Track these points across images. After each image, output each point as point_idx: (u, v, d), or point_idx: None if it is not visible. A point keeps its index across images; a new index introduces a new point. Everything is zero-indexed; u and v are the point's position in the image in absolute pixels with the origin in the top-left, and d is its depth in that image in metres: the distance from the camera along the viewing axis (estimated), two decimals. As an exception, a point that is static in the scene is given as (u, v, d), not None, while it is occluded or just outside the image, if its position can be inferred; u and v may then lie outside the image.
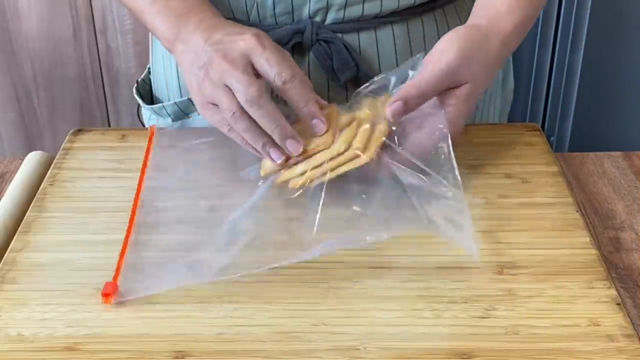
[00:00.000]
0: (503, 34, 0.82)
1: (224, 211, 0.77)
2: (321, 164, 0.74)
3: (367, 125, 0.76)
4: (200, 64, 0.76)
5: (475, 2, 0.87)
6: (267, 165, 0.76)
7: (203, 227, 0.76)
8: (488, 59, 0.80)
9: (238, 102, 0.73)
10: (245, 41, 0.75)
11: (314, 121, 0.76)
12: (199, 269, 0.69)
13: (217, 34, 0.78)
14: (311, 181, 0.74)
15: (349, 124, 0.78)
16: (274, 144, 0.74)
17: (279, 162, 0.74)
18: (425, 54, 0.85)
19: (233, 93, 0.73)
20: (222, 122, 0.76)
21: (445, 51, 0.77)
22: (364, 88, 0.84)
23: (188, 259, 0.70)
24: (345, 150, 0.75)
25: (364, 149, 0.74)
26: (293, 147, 0.74)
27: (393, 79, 0.82)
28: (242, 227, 0.73)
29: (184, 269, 0.69)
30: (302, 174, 0.75)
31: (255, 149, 0.76)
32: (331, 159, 0.75)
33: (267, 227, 0.74)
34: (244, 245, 0.71)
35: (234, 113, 0.73)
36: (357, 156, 0.74)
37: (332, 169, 0.74)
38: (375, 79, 0.82)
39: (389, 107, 0.75)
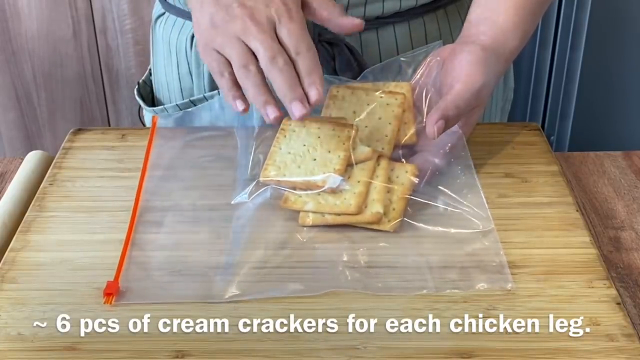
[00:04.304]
0: (507, 56, 0.82)
1: (225, 211, 0.77)
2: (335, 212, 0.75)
3: (382, 181, 0.77)
4: (217, 7, 0.74)
5: (473, 9, 0.86)
6: (308, 219, 0.76)
7: (205, 227, 0.76)
8: (495, 81, 0.81)
9: (253, 59, 0.72)
10: (275, 7, 0.73)
11: (312, 90, 0.72)
12: (205, 288, 0.69)
13: None
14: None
15: (368, 159, 0.77)
16: (273, 102, 0.72)
17: (272, 117, 0.72)
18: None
19: (248, 48, 0.73)
20: (219, 68, 0.74)
21: (472, 75, 0.78)
22: (373, 69, 0.85)
23: (192, 272, 0.71)
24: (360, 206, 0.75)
25: (385, 211, 0.75)
26: (298, 110, 0.71)
27: (404, 65, 0.84)
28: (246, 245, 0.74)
29: (190, 286, 0.69)
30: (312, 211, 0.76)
31: (238, 102, 0.74)
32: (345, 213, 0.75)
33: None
34: (249, 269, 0.71)
35: (246, 67, 0.72)
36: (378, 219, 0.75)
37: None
38: (387, 60, 0.84)
39: (432, 125, 0.75)
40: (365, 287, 0.69)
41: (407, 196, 0.76)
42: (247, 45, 0.72)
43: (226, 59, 0.74)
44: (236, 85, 0.74)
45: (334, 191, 0.75)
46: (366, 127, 0.80)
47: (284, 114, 0.72)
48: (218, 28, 0.74)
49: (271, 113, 0.71)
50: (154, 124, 0.90)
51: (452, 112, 0.75)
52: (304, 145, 0.77)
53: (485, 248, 0.73)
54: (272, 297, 0.68)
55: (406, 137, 0.81)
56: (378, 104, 0.81)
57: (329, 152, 0.77)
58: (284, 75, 0.71)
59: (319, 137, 0.78)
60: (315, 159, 0.77)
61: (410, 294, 0.68)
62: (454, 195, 0.77)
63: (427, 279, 0.69)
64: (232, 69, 0.74)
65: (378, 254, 0.73)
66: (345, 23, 0.77)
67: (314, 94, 0.71)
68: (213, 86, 0.94)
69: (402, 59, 0.86)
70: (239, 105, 0.73)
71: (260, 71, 0.72)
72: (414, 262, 0.71)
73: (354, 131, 0.78)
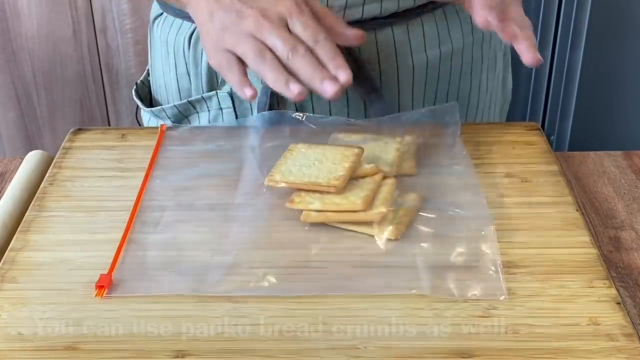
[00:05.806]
0: None
1: (224, 211, 0.78)
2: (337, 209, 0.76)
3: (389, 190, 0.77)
4: (227, 13, 0.74)
5: None
6: (310, 215, 0.76)
7: (204, 227, 0.76)
8: None
9: (268, 50, 0.72)
10: (286, 6, 0.74)
11: (340, 73, 0.71)
12: (199, 281, 0.69)
13: None
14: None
15: (372, 174, 0.78)
16: (295, 79, 0.72)
17: (296, 92, 0.71)
18: (427, 57, 0.86)
19: (263, 43, 0.73)
20: (229, 64, 0.75)
21: None
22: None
23: (187, 267, 0.71)
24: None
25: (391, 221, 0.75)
26: (330, 86, 0.70)
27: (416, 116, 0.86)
28: (244, 240, 0.74)
29: (184, 279, 0.69)
30: (317, 210, 0.76)
31: (247, 89, 0.75)
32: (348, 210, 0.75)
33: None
34: (242, 262, 0.71)
35: (263, 57, 0.72)
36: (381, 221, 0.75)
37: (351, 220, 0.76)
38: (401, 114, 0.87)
39: (485, 18, 0.75)
40: (358, 289, 0.68)
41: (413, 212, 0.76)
42: (261, 42, 0.73)
43: (236, 57, 0.74)
44: (245, 75, 0.74)
45: (339, 192, 0.76)
46: (366, 155, 0.82)
47: (307, 90, 0.71)
48: (228, 29, 0.74)
49: (295, 88, 0.70)
50: (161, 131, 0.90)
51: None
52: (310, 159, 0.79)
53: (483, 253, 0.72)
54: (271, 295, 0.68)
55: (406, 166, 0.82)
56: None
57: (335, 164, 0.78)
58: (308, 60, 0.70)
59: (325, 154, 0.80)
60: (320, 169, 0.78)
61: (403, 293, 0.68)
62: (454, 200, 0.77)
63: (422, 278, 0.69)
64: (242, 64, 0.74)
65: (373, 254, 0.73)
66: (348, 33, 0.77)
67: (343, 75, 0.70)
68: (211, 87, 0.94)
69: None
70: (247, 92, 0.74)
71: (276, 58, 0.71)
72: (410, 263, 0.71)
73: (358, 150, 0.80)
